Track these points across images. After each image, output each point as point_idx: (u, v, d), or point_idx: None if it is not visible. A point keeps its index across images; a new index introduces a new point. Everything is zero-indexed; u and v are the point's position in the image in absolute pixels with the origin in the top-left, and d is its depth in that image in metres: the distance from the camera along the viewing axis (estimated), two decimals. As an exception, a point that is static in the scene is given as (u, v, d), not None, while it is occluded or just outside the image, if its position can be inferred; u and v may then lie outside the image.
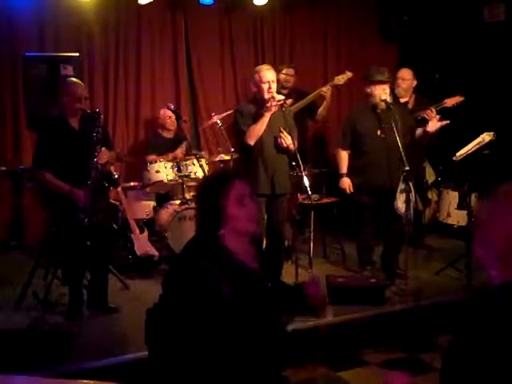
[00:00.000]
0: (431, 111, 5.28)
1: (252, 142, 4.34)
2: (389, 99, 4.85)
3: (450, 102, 5.46)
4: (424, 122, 5.36)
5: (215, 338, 1.91)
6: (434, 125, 4.97)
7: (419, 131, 5.04)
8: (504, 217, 1.44)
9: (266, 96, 4.34)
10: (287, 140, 4.35)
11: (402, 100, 5.65)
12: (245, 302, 1.96)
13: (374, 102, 4.80)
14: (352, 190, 4.96)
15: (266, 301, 2.04)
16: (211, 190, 2.12)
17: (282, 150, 4.45)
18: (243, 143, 4.39)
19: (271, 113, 4.31)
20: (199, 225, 2.13)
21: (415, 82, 5.70)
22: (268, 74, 4.37)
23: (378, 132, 4.78)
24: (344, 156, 5.00)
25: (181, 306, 1.96)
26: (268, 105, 4.31)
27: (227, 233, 2.06)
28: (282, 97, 4.44)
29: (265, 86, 4.35)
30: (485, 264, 1.47)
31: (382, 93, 4.77)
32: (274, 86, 4.38)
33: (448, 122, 5.02)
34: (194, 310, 1.93)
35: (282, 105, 4.39)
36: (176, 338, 1.95)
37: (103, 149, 4.11)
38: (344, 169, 4.99)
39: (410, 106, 5.64)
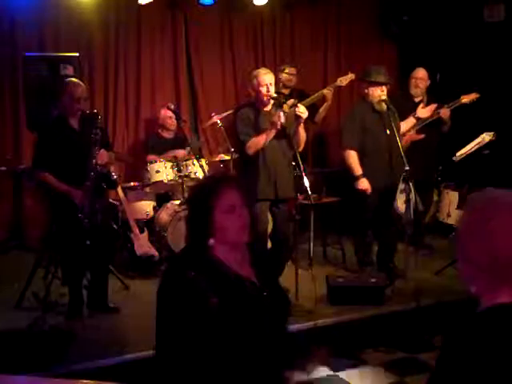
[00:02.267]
0: (446, 109, 5.34)
1: (251, 153, 4.35)
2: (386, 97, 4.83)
3: (467, 98, 5.45)
4: (439, 122, 5.39)
5: (205, 348, 1.88)
6: (423, 111, 5.03)
7: (410, 120, 5.10)
8: (482, 229, 1.37)
9: (265, 98, 4.36)
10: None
11: (417, 99, 5.62)
12: (233, 313, 1.91)
13: (375, 102, 4.80)
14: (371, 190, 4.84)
15: (258, 311, 1.98)
16: (199, 199, 2.04)
17: (286, 149, 4.46)
18: (243, 150, 4.42)
19: (276, 130, 4.27)
20: (188, 234, 2.06)
21: (429, 82, 5.70)
22: (266, 78, 4.38)
23: (388, 131, 4.72)
24: (356, 156, 4.86)
25: (170, 317, 1.93)
26: (273, 121, 4.28)
27: (217, 242, 2.00)
28: (275, 95, 4.45)
29: (263, 89, 4.36)
30: (470, 281, 1.43)
31: (380, 94, 4.77)
32: (272, 89, 4.40)
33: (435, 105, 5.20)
34: (182, 321, 1.90)
35: (281, 104, 4.38)
36: (170, 347, 1.94)
37: (102, 150, 4.12)
38: (360, 169, 4.82)
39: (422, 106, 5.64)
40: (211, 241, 2.00)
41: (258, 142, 4.31)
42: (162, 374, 1.96)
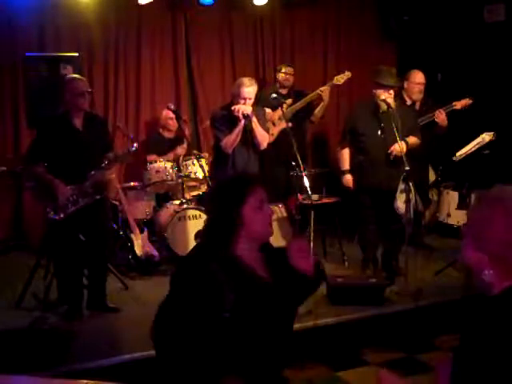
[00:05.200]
0: (440, 113, 5.32)
1: (230, 151, 4.61)
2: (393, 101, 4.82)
3: (459, 104, 5.42)
4: (432, 124, 5.37)
5: (216, 341, 1.91)
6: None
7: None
8: (499, 220, 1.44)
9: (236, 113, 4.54)
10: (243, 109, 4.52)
11: (409, 102, 5.54)
12: (247, 309, 1.95)
13: (377, 102, 4.79)
14: (353, 187, 4.94)
15: (270, 310, 2.02)
16: (230, 195, 2.07)
17: (255, 152, 4.71)
18: (220, 149, 4.65)
19: (243, 124, 4.54)
20: (211, 229, 2.09)
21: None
22: (247, 92, 4.53)
23: (379, 132, 4.76)
24: (344, 153, 4.99)
25: (184, 307, 1.96)
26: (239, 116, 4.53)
27: (241, 239, 2.04)
28: (250, 108, 4.58)
29: (240, 102, 4.54)
30: (478, 266, 1.47)
31: (387, 97, 4.74)
32: (250, 103, 4.58)
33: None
34: (196, 312, 1.93)
35: (245, 116, 4.54)
36: (178, 338, 1.95)
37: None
38: (346, 165, 4.97)
39: (417, 107, 5.55)
40: (235, 236, 2.04)
41: (231, 138, 4.57)
42: (165, 364, 1.98)
